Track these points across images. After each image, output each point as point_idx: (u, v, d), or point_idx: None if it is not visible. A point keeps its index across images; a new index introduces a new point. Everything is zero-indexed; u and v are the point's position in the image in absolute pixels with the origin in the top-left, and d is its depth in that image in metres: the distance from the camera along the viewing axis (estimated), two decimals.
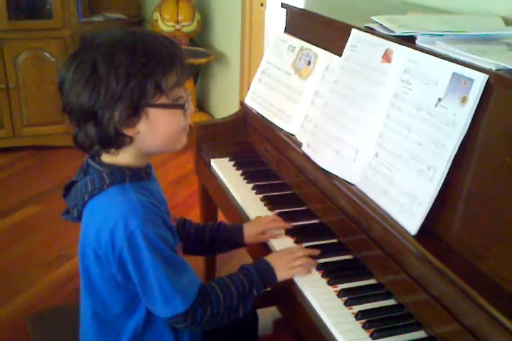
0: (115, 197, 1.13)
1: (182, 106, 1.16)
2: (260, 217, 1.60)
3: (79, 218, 1.20)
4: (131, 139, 1.13)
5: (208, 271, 2.37)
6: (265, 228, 1.54)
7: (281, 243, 1.50)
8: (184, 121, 1.18)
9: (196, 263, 2.37)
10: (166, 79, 1.11)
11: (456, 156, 1.18)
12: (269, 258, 1.35)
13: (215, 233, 1.52)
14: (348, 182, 1.46)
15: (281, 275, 1.32)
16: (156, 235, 1.12)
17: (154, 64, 1.09)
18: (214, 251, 1.64)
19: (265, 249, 1.52)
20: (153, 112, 1.12)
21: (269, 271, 1.31)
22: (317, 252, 1.42)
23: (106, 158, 1.19)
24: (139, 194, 1.14)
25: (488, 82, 1.14)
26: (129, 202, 1.12)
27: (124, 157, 1.17)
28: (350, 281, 1.34)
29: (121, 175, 1.15)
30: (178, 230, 1.46)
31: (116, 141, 1.12)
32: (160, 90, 1.10)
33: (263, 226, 1.54)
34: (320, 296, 1.29)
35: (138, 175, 1.18)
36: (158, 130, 1.15)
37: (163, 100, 1.12)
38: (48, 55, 3.69)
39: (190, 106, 1.19)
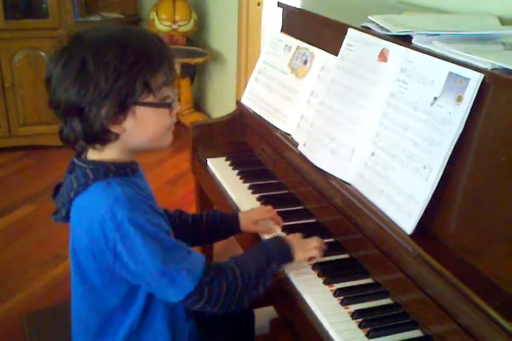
0: (100, 192, 1.13)
1: (169, 105, 1.16)
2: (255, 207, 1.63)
3: (67, 217, 1.20)
4: (117, 136, 1.13)
5: None
6: (261, 217, 1.56)
7: None
8: (170, 120, 1.19)
9: None
10: (155, 78, 1.11)
11: (451, 155, 1.19)
12: (287, 238, 1.36)
13: (211, 221, 1.53)
14: (344, 182, 1.46)
15: (298, 254, 1.33)
16: (146, 221, 1.11)
17: (144, 63, 1.09)
18: (212, 239, 1.64)
19: None
20: (140, 110, 1.12)
21: (288, 248, 1.32)
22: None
23: (92, 155, 1.19)
24: (123, 186, 1.14)
25: (483, 82, 1.14)
26: (114, 194, 1.12)
27: (108, 153, 1.17)
28: (347, 280, 1.34)
29: (105, 171, 1.15)
30: (176, 221, 1.47)
31: (102, 137, 1.12)
32: (148, 89, 1.11)
33: (260, 214, 1.56)
34: (316, 295, 1.29)
35: (123, 170, 1.17)
36: (144, 128, 1.15)
37: (150, 99, 1.12)
38: (44, 55, 3.68)
39: (177, 106, 1.19)
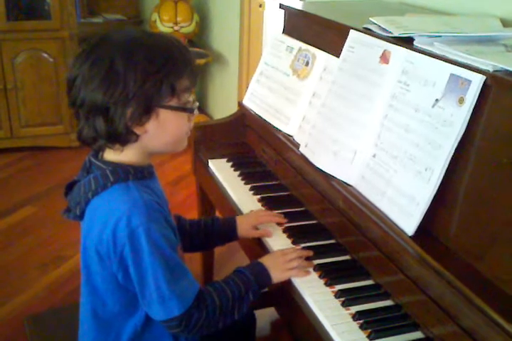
0: (118, 195, 1.14)
1: (192, 111, 1.19)
2: (254, 210, 1.62)
3: (81, 216, 1.20)
4: (137, 137, 1.14)
5: (206, 272, 2.36)
6: (258, 222, 1.55)
7: (279, 243, 1.50)
8: (188, 125, 1.21)
9: (194, 265, 2.38)
10: (180, 82, 1.13)
11: (453, 157, 1.19)
12: (264, 261, 1.35)
13: (209, 227, 1.53)
14: (346, 183, 1.45)
15: (277, 277, 1.33)
16: (159, 233, 1.12)
17: (171, 66, 1.10)
18: (210, 246, 1.64)
19: (262, 249, 1.51)
20: (163, 113, 1.13)
21: (264, 274, 1.31)
22: (310, 253, 1.42)
23: (109, 155, 1.19)
24: (142, 192, 1.15)
25: (485, 83, 1.14)
26: (133, 199, 1.12)
27: (127, 155, 1.18)
28: (348, 282, 1.34)
29: (124, 173, 1.15)
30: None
31: (124, 137, 1.13)
32: (173, 92, 1.12)
33: (256, 219, 1.55)
34: (317, 297, 1.29)
35: (141, 174, 1.18)
36: (165, 131, 1.16)
37: (174, 102, 1.14)
38: (46, 56, 3.70)
39: (195, 111, 1.22)
